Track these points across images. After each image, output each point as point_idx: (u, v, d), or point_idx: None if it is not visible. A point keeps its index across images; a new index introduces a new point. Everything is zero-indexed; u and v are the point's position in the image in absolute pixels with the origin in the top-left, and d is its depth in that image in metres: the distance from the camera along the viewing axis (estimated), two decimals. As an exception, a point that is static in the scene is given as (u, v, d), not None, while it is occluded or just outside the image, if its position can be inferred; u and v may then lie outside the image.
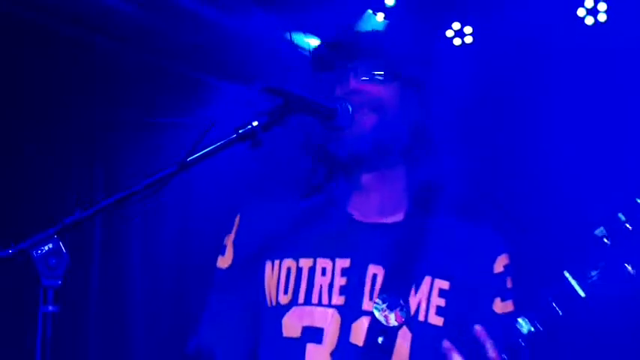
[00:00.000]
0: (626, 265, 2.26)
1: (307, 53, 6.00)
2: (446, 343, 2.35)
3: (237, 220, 2.77)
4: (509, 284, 2.66)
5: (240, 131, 2.30)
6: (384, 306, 2.54)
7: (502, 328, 2.50)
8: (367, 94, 2.60)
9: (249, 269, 2.71)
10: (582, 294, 2.29)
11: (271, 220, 2.74)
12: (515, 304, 2.65)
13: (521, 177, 6.29)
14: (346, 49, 2.65)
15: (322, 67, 2.69)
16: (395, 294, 2.54)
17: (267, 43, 6.00)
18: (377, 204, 2.68)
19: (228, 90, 6.26)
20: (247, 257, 2.72)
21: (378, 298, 2.54)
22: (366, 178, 2.65)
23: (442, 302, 2.58)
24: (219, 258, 2.76)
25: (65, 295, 2.24)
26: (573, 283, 2.30)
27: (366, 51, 2.64)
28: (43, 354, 2.19)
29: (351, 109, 2.53)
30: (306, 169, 2.74)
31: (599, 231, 2.31)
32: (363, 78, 2.62)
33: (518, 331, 2.34)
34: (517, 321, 2.34)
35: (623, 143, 5.91)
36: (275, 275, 2.66)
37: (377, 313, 2.53)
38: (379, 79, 2.62)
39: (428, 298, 2.58)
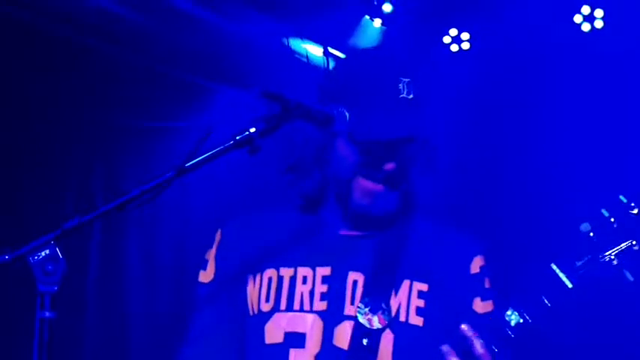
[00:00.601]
0: (608, 256, 2.35)
1: (305, 59, 6.05)
2: (445, 347, 2.38)
3: (217, 235, 2.78)
4: (487, 284, 2.69)
5: (237, 137, 2.30)
6: (367, 310, 2.57)
7: (484, 327, 2.52)
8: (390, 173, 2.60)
9: (231, 283, 2.72)
10: (569, 284, 2.35)
11: (252, 232, 2.76)
12: (495, 303, 2.67)
13: (510, 176, 6.32)
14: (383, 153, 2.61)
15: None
16: (376, 298, 2.58)
17: (265, 49, 6.00)
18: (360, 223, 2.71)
19: (227, 94, 6.25)
20: (229, 271, 2.73)
21: (360, 302, 2.57)
22: (374, 225, 2.68)
23: (421, 303, 2.61)
24: (201, 272, 2.77)
25: (63, 301, 2.23)
26: (560, 275, 2.36)
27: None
28: (40, 359, 2.19)
29: (348, 115, 2.51)
30: (290, 180, 2.74)
31: (584, 226, 2.38)
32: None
33: (507, 323, 2.38)
34: (506, 313, 2.39)
35: (610, 143, 5.96)
36: (257, 286, 2.68)
37: (360, 317, 2.56)
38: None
39: (408, 299, 2.61)
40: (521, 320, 2.38)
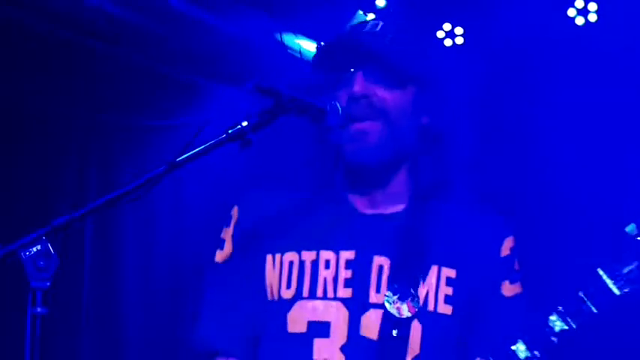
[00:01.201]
0: None
1: (298, 55, 6.05)
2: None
3: (234, 212, 2.70)
4: (516, 267, 2.63)
5: (229, 131, 2.29)
6: (395, 297, 2.50)
7: (512, 310, 2.58)
8: (373, 98, 2.54)
9: (249, 262, 2.65)
10: (617, 292, 2.26)
11: (271, 211, 2.68)
12: (522, 285, 2.63)
13: (545, 174, 6.27)
14: (355, 50, 2.59)
15: (326, 68, 2.63)
16: (405, 284, 2.51)
17: (258, 45, 5.99)
18: (380, 198, 2.64)
19: (220, 92, 6.24)
20: (247, 249, 2.65)
21: (387, 290, 2.50)
22: (370, 181, 2.62)
23: (450, 291, 2.55)
24: (218, 252, 2.69)
25: (56, 297, 2.23)
26: (607, 281, 2.27)
27: (376, 54, 2.57)
28: (32, 356, 2.17)
29: (340, 108, 2.48)
30: (309, 160, 2.71)
31: (630, 228, 2.26)
32: (375, 81, 2.55)
33: (551, 329, 2.32)
34: (549, 318, 2.32)
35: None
36: (277, 269, 2.60)
37: (388, 306, 2.49)
38: (388, 84, 2.56)
39: (436, 287, 2.54)
40: (566, 327, 2.31)
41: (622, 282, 2.26)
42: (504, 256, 2.62)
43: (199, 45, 5.74)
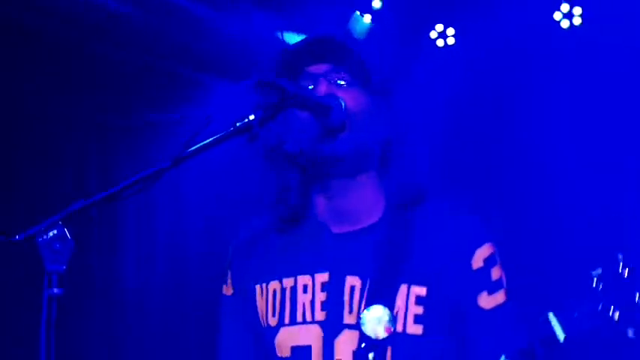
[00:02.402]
0: (609, 311, 2.09)
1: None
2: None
3: (230, 253, 2.72)
4: (494, 276, 2.48)
5: (237, 124, 2.26)
6: (371, 319, 2.43)
7: (494, 323, 2.45)
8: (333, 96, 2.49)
9: (246, 295, 2.66)
10: (561, 338, 2.13)
11: (257, 247, 2.67)
12: (507, 292, 2.49)
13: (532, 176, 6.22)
14: (318, 52, 2.55)
15: (288, 69, 2.58)
16: (379, 305, 2.43)
17: (260, 42, 5.99)
18: (351, 209, 2.55)
19: (221, 88, 6.23)
20: (242, 284, 2.66)
21: (364, 311, 2.43)
22: (338, 184, 2.53)
23: (420, 310, 2.45)
24: (224, 287, 2.72)
25: (70, 280, 2.23)
26: (555, 325, 2.14)
27: (337, 55, 2.54)
28: (48, 335, 2.18)
29: (344, 105, 2.45)
30: (275, 189, 2.61)
31: (596, 272, 2.13)
32: (339, 82, 2.51)
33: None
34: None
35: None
36: (264, 298, 2.60)
37: (365, 329, 2.43)
38: (346, 84, 2.52)
39: (405, 306, 2.44)
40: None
41: (570, 327, 2.14)
42: (477, 268, 2.47)
43: (202, 41, 5.74)
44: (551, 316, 2.13)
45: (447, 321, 2.47)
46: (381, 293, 2.45)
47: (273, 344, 2.56)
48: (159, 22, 5.47)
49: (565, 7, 5.98)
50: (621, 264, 2.05)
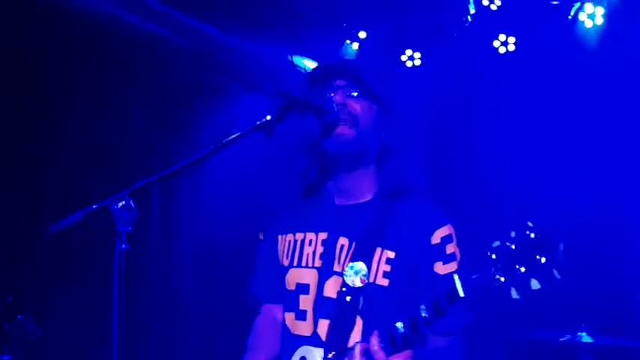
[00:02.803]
0: (497, 275, 2.03)
1: (303, 71, 6.05)
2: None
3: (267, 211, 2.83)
4: (449, 250, 2.51)
5: (257, 122, 2.31)
6: (352, 272, 2.50)
7: (445, 283, 2.40)
8: (348, 107, 2.56)
9: (272, 241, 2.76)
10: (461, 294, 2.09)
11: (282, 208, 2.79)
12: (460, 264, 2.51)
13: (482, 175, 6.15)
14: (335, 71, 2.63)
15: (316, 82, 2.66)
16: (358, 262, 2.51)
17: (275, 63, 6.01)
18: (350, 190, 2.63)
19: (244, 98, 6.21)
20: (271, 234, 2.77)
21: (347, 266, 2.51)
22: (343, 171, 2.60)
23: (388, 268, 2.50)
24: (260, 234, 2.82)
25: (133, 239, 2.25)
26: (457, 283, 2.10)
27: (349, 74, 2.61)
28: (120, 280, 2.21)
29: (335, 107, 2.51)
30: (302, 167, 2.70)
31: (495, 243, 2.06)
32: (350, 92, 2.58)
33: (420, 315, 2.20)
34: (420, 307, 2.19)
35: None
36: (282, 245, 2.70)
37: (346, 278, 2.50)
38: (356, 96, 2.58)
39: (377, 264, 2.50)
40: (426, 315, 2.17)
41: (469, 287, 2.09)
42: (435, 244, 2.51)
43: (236, 62, 5.78)
44: (455, 277, 2.11)
45: (406, 279, 2.51)
46: (361, 252, 2.52)
47: (284, 280, 2.66)
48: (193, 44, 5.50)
49: (502, 37, 5.97)
50: (513, 237, 2.02)
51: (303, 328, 2.56)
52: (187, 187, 6.44)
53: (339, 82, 2.60)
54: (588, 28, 5.68)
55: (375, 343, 2.26)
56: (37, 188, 5.10)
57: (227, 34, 5.57)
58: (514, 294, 2.01)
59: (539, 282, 1.99)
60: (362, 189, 2.62)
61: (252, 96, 6.04)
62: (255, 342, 2.77)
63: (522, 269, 2.00)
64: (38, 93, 5.08)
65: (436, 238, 2.52)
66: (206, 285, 6.41)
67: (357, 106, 2.57)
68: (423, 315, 2.17)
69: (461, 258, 2.53)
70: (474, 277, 2.08)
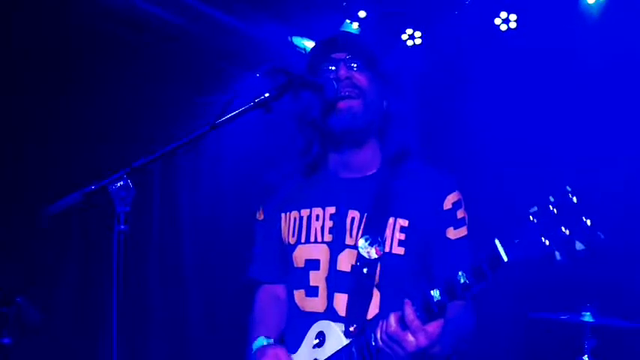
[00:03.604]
0: (542, 238, 2.03)
1: (303, 51, 6.02)
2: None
3: (262, 188, 2.77)
4: (459, 215, 2.55)
5: (256, 100, 2.28)
6: (367, 244, 2.48)
7: (457, 248, 2.52)
8: (353, 79, 2.54)
9: (273, 220, 2.71)
10: (505, 258, 2.07)
11: (283, 185, 2.72)
12: (468, 229, 2.56)
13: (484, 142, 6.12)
14: (336, 44, 2.61)
15: (316, 58, 2.63)
16: (373, 234, 2.49)
17: (276, 44, 5.97)
18: (355, 163, 2.62)
19: (244, 76, 6.18)
20: (271, 213, 2.71)
21: (361, 237, 2.49)
22: (348, 147, 2.59)
23: (403, 236, 2.50)
24: (257, 213, 2.77)
25: (133, 220, 2.23)
26: (500, 248, 2.08)
27: (352, 47, 2.60)
28: (118, 259, 2.19)
29: (336, 84, 2.49)
30: (301, 144, 2.67)
31: (533, 209, 2.07)
32: (352, 65, 2.56)
33: (458, 281, 2.16)
34: (458, 274, 2.16)
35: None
36: (286, 223, 2.66)
37: (362, 250, 2.49)
38: (360, 68, 2.57)
39: (392, 233, 2.50)
40: (463, 281, 2.14)
41: (512, 251, 2.08)
42: (447, 209, 2.53)
43: (237, 44, 5.76)
44: (497, 241, 2.09)
45: (421, 245, 2.52)
46: (374, 224, 2.51)
47: (291, 257, 2.62)
48: (205, 30, 5.50)
49: (503, 14, 5.92)
50: (553, 202, 2.02)
51: (316, 304, 2.53)
52: (188, 167, 6.43)
53: (339, 55, 2.58)
54: (590, 4, 5.64)
55: (410, 312, 2.19)
56: (35, 171, 5.10)
57: (226, 15, 5.53)
58: (557, 256, 2.02)
59: (583, 243, 2.00)
60: (367, 161, 2.62)
61: (251, 77, 6.01)
62: (259, 318, 2.73)
63: (567, 232, 2.01)
64: (33, 78, 5.06)
65: (448, 203, 2.54)
66: (207, 264, 6.43)
67: (361, 78, 2.55)
68: (462, 281, 2.13)
69: (469, 224, 2.57)
70: (516, 241, 2.07)
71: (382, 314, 2.39)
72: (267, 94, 2.29)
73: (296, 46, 6.09)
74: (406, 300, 2.21)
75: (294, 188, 2.68)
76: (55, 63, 5.11)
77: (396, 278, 2.49)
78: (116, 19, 5.04)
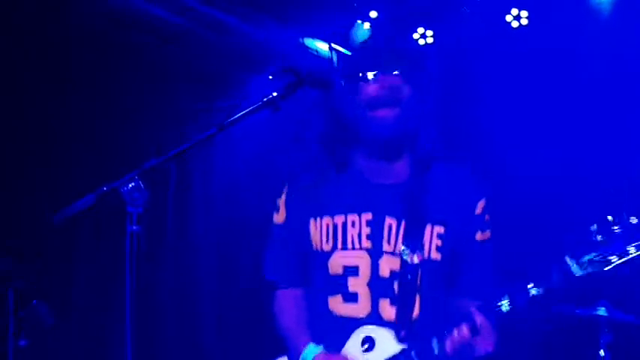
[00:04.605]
0: (609, 258, 2.28)
1: (315, 52, 6.01)
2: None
3: (285, 188, 2.73)
4: (486, 219, 2.64)
5: (264, 99, 2.29)
6: (408, 250, 2.54)
7: (483, 249, 2.63)
8: (392, 88, 2.51)
9: (298, 224, 2.68)
10: (578, 273, 2.30)
11: (311, 188, 2.69)
12: (491, 232, 2.66)
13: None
14: (379, 55, 2.58)
15: (360, 62, 2.59)
16: (414, 240, 2.54)
17: (288, 46, 5.97)
18: (387, 170, 2.62)
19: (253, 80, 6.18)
20: (296, 215, 2.68)
21: (402, 245, 2.54)
22: (382, 157, 2.61)
23: (439, 242, 2.57)
24: (275, 215, 2.73)
25: (147, 221, 2.24)
26: (571, 264, 2.30)
27: (392, 56, 2.57)
28: (131, 261, 2.20)
29: (343, 82, 2.49)
30: (327, 145, 2.67)
31: (594, 227, 2.30)
32: (395, 73, 2.53)
33: (528, 293, 2.37)
34: (527, 287, 2.36)
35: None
36: (318, 229, 2.63)
37: (405, 256, 2.54)
38: (399, 76, 2.53)
39: (430, 240, 2.57)
40: (537, 293, 2.36)
41: (581, 267, 2.30)
42: (478, 214, 2.61)
43: (250, 48, 5.76)
44: (567, 258, 2.28)
45: (453, 250, 2.60)
46: (413, 231, 2.56)
47: (325, 265, 2.61)
48: (217, 35, 5.52)
49: (514, 11, 5.88)
50: (613, 222, 2.26)
51: (356, 310, 2.56)
52: (201, 168, 6.43)
53: (385, 66, 2.55)
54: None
55: (481, 319, 2.35)
56: (47, 175, 5.12)
57: (234, 18, 5.54)
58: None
59: None
60: (397, 169, 2.63)
61: (260, 79, 6.00)
62: (294, 323, 2.70)
63: (632, 250, 2.25)
64: (39, 80, 5.08)
65: (479, 208, 2.62)
66: (222, 266, 6.41)
67: (401, 87, 2.53)
68: (533, 294, 2.31)
69: (491, 228, 2.66)
70: (586, 258, 2.27)
71: (422, 318, 2.51)
72: (274, 94, 2.30)
73: (308, 48, 6.09)
74: (473, 309, 2.36)
75: (323, 192, 2.66)
76: (59, 63, 5.13)
77: (434, 283, 2.56)
78: (116, 19, 5.05)
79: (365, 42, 2.73)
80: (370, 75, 2.50)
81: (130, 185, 2.24)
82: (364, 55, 2.60)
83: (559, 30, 5.74)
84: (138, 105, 5.67)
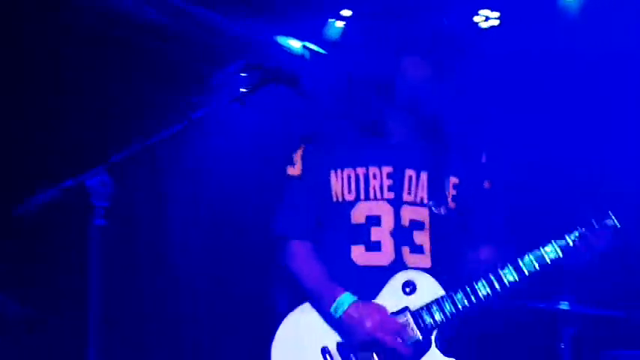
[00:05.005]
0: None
1: (288, 50, 5.99)
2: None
3: (300, 142, 2.85)
4: (490, 168, 2.86)
5: (231, 95, 2.35)
6: (434, 202, 2.72)
7: (490, 195, 2.82)
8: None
9: (317, 175, 2.79)
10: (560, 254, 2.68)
11: (330, 142, 2.82)
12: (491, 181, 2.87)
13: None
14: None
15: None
16: (439, 193, 2.73)
17: (262, 43, 5.96)
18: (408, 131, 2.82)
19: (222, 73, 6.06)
20: (314, 167, 2.80)
21: (430, 200, 2.72)
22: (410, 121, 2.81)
23: (455, 192, 2.76)
24: (289, 168, 2.83)
25: (116, 215, 2.22)
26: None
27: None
28: (94, 256, 2.19)
29: (311, 79, 2.54)
30: (358, 105, 2.82)
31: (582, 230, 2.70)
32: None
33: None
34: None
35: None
36: (339, 180, 2.76)
37: (434, 209, 2.70)
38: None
39: (448, 190, 2.75)
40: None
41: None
42: (483, 163, 2.83)
43: (222, 44, 5.75)
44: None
45: (467, 198, 2.79)
46: (437, 184, 2.73)
47: (348, 214, 2.75)
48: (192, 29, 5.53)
49: (484, 12, 5.88)
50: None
51: (379, 259, 2.68)
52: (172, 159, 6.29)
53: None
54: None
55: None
56: (10, 168, 5.03)
57: (208, 13, 5.52)
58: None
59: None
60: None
61: (226, 73, 5.93)
62: (318, 272, 2.76)
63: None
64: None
65: (484, 157, 2.84)
66: (202, 260, 6.29)
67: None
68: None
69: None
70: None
71: (450, 266, 2.70)
72: (242, 89, 2.34)
73: (281, 46, 6.08)
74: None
75: (343, 146, 2.80)
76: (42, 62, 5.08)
77: (451, 231, 2.75)
78: (100, 16, 5.03)
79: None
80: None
81: (96, 179, 2.22)
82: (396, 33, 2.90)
83: (530, 30, 5.75)
84: (106, 98, 5.60)
